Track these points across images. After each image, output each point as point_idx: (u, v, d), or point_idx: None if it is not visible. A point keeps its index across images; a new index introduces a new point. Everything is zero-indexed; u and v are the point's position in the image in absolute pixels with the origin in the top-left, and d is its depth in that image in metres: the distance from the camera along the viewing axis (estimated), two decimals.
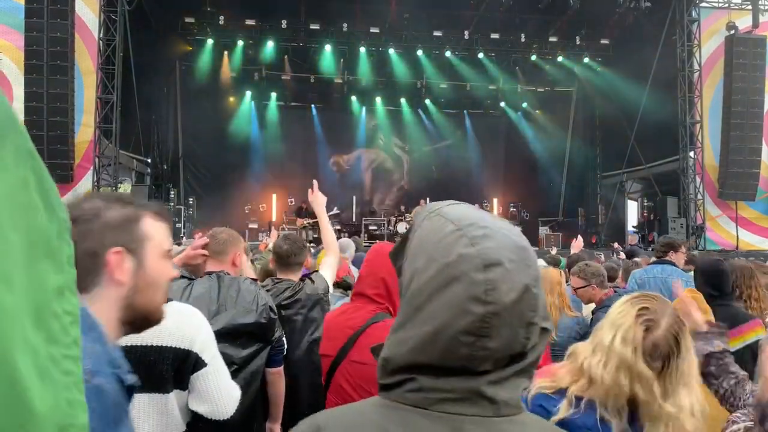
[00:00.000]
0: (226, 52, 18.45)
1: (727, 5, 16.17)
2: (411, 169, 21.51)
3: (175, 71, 18.90)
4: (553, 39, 18.72)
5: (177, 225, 15.63)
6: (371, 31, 18.02)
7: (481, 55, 18.97)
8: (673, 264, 4.79)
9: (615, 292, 4.32)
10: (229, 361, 2.30)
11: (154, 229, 1.32)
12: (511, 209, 18.66)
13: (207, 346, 2.00)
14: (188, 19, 17.68)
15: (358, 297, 2.27)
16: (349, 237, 8.22)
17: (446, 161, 20.95)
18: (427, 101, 20.83)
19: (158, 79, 17.78)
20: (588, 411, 1.60)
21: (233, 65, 18.69)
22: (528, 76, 19.86)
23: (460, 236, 0.81)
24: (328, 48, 18.51)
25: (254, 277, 3.17)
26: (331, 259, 3.61)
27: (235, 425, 2.11)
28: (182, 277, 2.70)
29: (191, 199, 18.13)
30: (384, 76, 19.55)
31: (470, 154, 21.18)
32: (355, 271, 4.76)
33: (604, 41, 18.83)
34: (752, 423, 1.67)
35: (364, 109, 20.90)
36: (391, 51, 18.94)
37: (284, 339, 2.97)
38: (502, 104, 21.19)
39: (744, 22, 15.60)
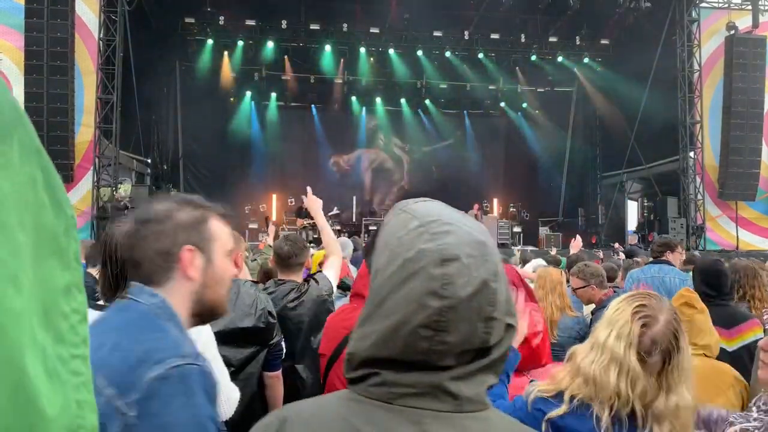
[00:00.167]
0: (226, 53, 18.45)
1: (727, 5, 16.17)
2: (411, 169, 21.51)
3: (175, 71, 18.91)
4: (553, 39, 18.72)
5: None
6: (371, 31, 18.02)
7: (481, 56, 18.97)
8: (670, 264, 4.79)
9: (614, 292, 4.32)
10: (226, 363, 2.30)
11: (220, 230, 1.45)
12: (511, 209, 18.66)
13: (207, 347, 2.00)
14: (188, 20, 17.68)
15: (356, 297, 2.28)
16: (350, 237, 8.23)
17: (446, 161, 20.95)
18: (427, 101, 20.83)
19: (158, 79, 17.78)
20: (581, 411, 1.60)
21: (233, 65, 18.70)
22: (528, 77, 19.86)
23: (421, 232, 0.82)
24: (328, 48, 18.52)
25: (249, 277, 3.16)
26: (334, 259, 3.61)
27: (233, 427, 2.11)
28: None
29: None
30: (384, 76, 19.55)
31: (470, 154, 21.18)
32: (354, 271, 4.76)
33: (604, 41, 18.83)
34: (749, 425, 1.67)
35: (364, 109, 20.90)
36: (391, 51, 18.94)
37: (283, 344, 2.97)
38: (502, 104, 21.19)
39: (744, 23, 15.60)
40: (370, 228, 17.32)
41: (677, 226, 15.16)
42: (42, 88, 12.18)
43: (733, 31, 15.32)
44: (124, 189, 13.71)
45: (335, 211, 16.50)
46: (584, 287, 4.28)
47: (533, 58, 19.21)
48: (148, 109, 16.79)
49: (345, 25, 17.85)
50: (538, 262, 5.79)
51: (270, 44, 18.22)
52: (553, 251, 9.19)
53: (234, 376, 2.46)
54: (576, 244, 6.56)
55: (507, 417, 0.88)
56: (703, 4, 15.98)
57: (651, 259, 5.08)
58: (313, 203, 3.63)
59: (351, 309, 2.26)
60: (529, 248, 14.46)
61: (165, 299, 1.31)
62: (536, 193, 21.01)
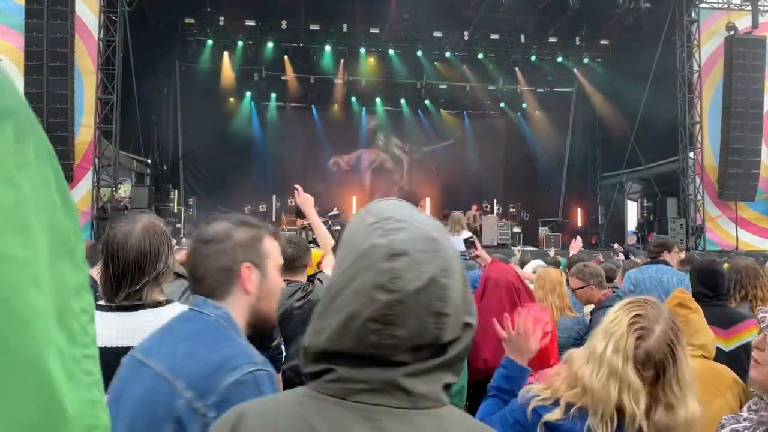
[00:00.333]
0: (226, 53, 18.45)
1: (726, 6, 16.18)
2: (411, 170, 21.52)
3: (175, 72, 18.90)
4: (552, 39, 18.72)
5: (177, 226, 15.63)
6: (371, 31, 18.03)
7: (480, 56, 18.97)
8: (668, 264, 4.80)
9: (613, 292, 4.33)
10: None
11: (272, 247, 1.59)
12: (511, 209, 18.65)
13: None
14: (188, 20, 17.69)
15: None
16: None
17: (446, 162, 20.95)
18: (427, 102, 20.83)
19: (158, 79, 17.78)
20: (577, 419, 1.60)
21: (233, 66, 18.70)
22: (528, 77, 19.86)
23: (375, 228, 0.84)
24: (328, 48, 18.53)
25: None
26: (330, 258, 3.61)
27: None
28: (182, 277, 2.71)
29: (191, 199, 18.13)
30: (384, 76, 19.56)
31: (470, 154, 21.18)
32: None
33: (604, 42, 18.84)
34: (739, 425, 1.67)
35: (364, 109, 20.91)
36: (391, 51, 18.95)
37: (282, 347, 2.97)
38: (502, 105, 21.18)
39: (744, 23, 15.61)
40: None
41: (677, 226, 15.16)
42: (42, 89, 12.18)
43: (732, 32, 15.32)
44: (124, 189, 13.71)
45: (335, 211, 16.49)
46: (583, 287, 4.28)
47: (533, 58, 19.22)
48: (148, 109, 16.79)
49: (345, 26, 17.86)
50: (538, 263, 5.79)
51: (270, 44, 18.23)
52: (552, 252, 9.17)
53: None
54: (576, 245, 6.52)
55: (464, 415, 0.88)
56: (703, 5, 15.99)
57: (648, 259, 5.09)
58: (304, 200, 3.64)
59: None
60: (529, 249, 14.45)
61: (228, 311, 1.47)
62: (536, 194, 21.01)
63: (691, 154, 15.74)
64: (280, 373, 2.98)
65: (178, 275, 2.70)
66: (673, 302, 2.50)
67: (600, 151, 21.24)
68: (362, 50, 18.70)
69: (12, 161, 0.46)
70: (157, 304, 1.95)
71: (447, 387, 0.85)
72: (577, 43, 18.75)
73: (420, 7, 16.33)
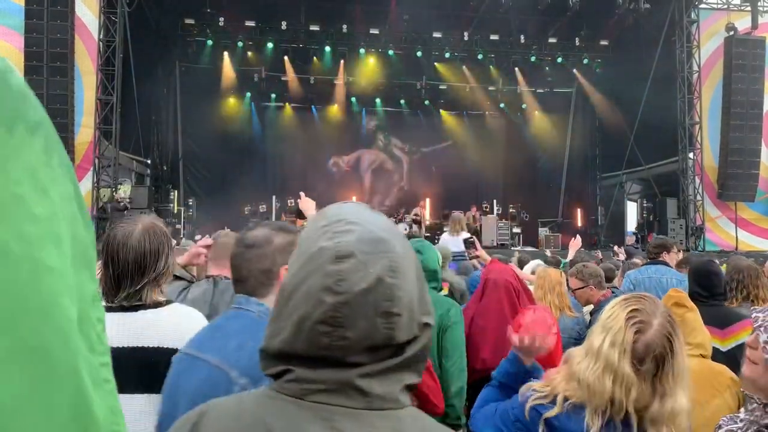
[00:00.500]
0: (226, 53, 18.46)
1: (726, 6, 16.19)
2: (411, 170, 21.52)
3: (175, 72, 18.92)
4: (552, 40, 18.74)
5: (177, 226, 15.64)
6: (371, 32, 18.05)
7: (480, 56, 18.98)
8: (667, 264, 4.80)
9: (612, 293, 4.33)
10: None
11: None
12: (511, 210, 18.65)
13: None
14: (188, 21, 17.70)
15: None
16: None
17: (446, 162, 20.94)
18: (427, 102, 20.84)
19: (158, 80, 17.79)
20: (573, 413, 1.62)
21: (233, 66, 18.71)
22: (527, 77, 19.87)
23: (325, 231, 0.85)
24: (328, 49, 18.55)
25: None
26: None
27: None
28: (181, 279, 2.71)
29: (191, 200, 18.13)
30: (384, 77, 19.56)
31: (470, 155, 21.16)
32: None
33: (604, 42, 18.86)
34: (735, 426, 1.68)
35: (364, 109, 20.93)
36: (391, 52, 18.96)
37: None
38: (502, 105, 21.17)
39: (743, 24, 15.62)
40: None
41: (676, 227, 15.17)
42: (42, 89, 12.17)
43: (732, 32, 15.33)
44: (124, 190, 13.71)
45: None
46: (582, 288, 4.28)
47: (533, 59, 19.23)
48: (148, 109, 16.80)
49: (345, 26, 17.89)
50: (537, 263, 5.79)
51: (270, 45, 18.24)
52: (548, 253, 9.11)
53: None
54: (575, 244, 6.36)
55: (422, 417, 0.87)
56: (703, 5, 16.01)
57: (648, 260, 5.09)
58: (307, 204, 3.66)
59: None
60: (528, 249, 14.45)
61: (269, 307, 1.56)
62: (536, 194, 21.01)
63: (691, 155, 15.75)
64: None
65: (177, 277, 2.70)
66: (669, 302, 2.50)
67: (600, 152, 21.25)
68: (362, 51, 18.71)
69: (45, 174, 0.47)
70: (157, 305, 1.95)
71: (409, 388, 0.85)
72: (577, 43, 18.77)
73: (420, 8, 16.35)
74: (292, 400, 0.81)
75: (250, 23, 17.66)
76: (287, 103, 20.31)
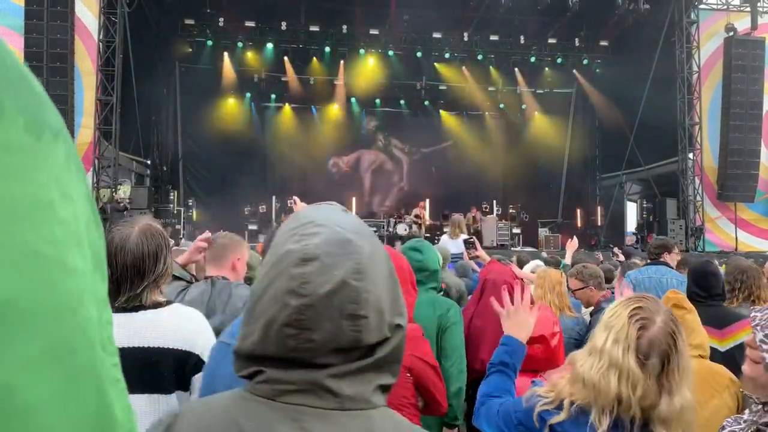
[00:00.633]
0: (226, 54, 18.47)
1: (725, 7, 16.20)
2: (410, 171, 21.53)
3: (175, 73, 18.93)
4: (552, 41, 18.75)
5: (177, 227, 15.63)
6: (371, 32, 18.06)
7: (480, 57, 19.00)
8: (668, 265, 4.80)
9: (612, 293, 4.33)
10: None
11: None
12: (511, 210, 18.66)
13: (208, 348, 2.01)
14: (188, 21, 17.70)
15: None
16: None
17: (446, 162, 20.97)
18: (427, 102, 20.87)
19: (158, 80, 17.80)
20: (579, 415, 1.60)
21: (233, 67, 18.72)
22: (527, 78, 19.89)
23: (293, 234, 0.86)
24: (327, 50, 18.56)
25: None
26: None
27: None
28: (180, 279, 2.71)
29: (191, 200, 18.14)
30: (384, 77, 19.58)
31: (469, 155, 21.17)
32: None
33: (603, 43, 18.87)
34: (737, 426, 1.68)
35: (363, 110, 20.93)
36: (391, 53, 18.97)
37: None
38: (502, 106, 21.20)
39: (743, 24, 15.63)
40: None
41: (676, 227, 15.17)
42: None
43: (732, 33, 15.34)
44: (124, 190, 13.73)
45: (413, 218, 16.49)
46: (582, 289, 4.28)
47: (532, 59, 19.24)
48: (148, 110, 16.80)
49: (345, 27, 17.90)
50: (537, 263, 5.79)
51: (270, 45, 18.26)
52: (545, 254, 9.08)
53: None
54: (571, 245, 6.21)
55: (394, 417, 0.87)
56: (702, 6, 16.02)
57: (648, 261, 5.09)
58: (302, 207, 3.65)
59: None
60: (528, 249, 14.45)
61: None
62: (535, 195, 21.00)
63: (691, 155, 15.75)
64: None
65: (176, 278, 2.70)
66: (668, 303, 2.51)
67: (599, 152, 21.26)
68: (362, 51, 18.73)
69: (67, 179, 0.49)
70: (157, 305, 1.95)
71: (383, 389, 0.85)
72: (577, 44, 18.79)
73: (420, 9, 16.36)
74: (264, 401, 0.82)
75: (249, 24, 17.68)
76: (287, 104, 20.31)
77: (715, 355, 2.81)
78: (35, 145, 0.47)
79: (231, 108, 19.78)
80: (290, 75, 19.10)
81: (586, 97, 20.54)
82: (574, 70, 19.80)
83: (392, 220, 17.42)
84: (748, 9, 15.76)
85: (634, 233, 17.03)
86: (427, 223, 16.73)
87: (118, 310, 1.90)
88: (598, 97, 19.69)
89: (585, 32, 18.61)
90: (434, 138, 21.25)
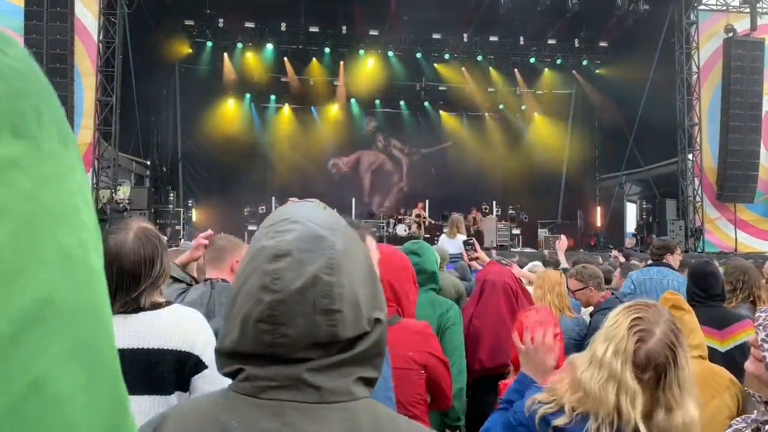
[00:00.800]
0: (225, 55, 18.48)
1: (725, 8, 16.22)
2: (410, 171, 21.53)
3: (175, 73, 18.93)
4: (551, 41, 18.77)
5: (176, 227, 15.63)
6: (371, 33, 18.07)
7: (480, 58, 19.01)
8: (670, 266, 4.80)
9: (612, 294, 4.33)
10: None
11: (373, 245, 1.95)
12: (510, 211, 18.67)
13: (208, 349, 2.01)
14: (188, 22, 17.72)
15: None
16: None
17: (445, 163, 20.98)
18: (426, 103, 20.88)
19: (158, 81, 17.79)
20: (580, 423, 1.60)
21: (233, 67, 18.73)
22: (527, 79, 19.90)
23: (267, 231, 0.87)
24: (327, 50, 18.57)
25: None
26: None
27: None
28: (180, 281, 2.71)
29: (190, 201, 18.14)
30: (383, 78, 19.59)
31: (469, 156, 21.17)
32: None
33: (603, 44, 18.89)
34: (741, 424, 1.68)
35: (363, 111, 20.94)
36: (391, 53, 18.99)
37: None
38: (501, 106, 21.20)
39: (742, 25, 15.64)
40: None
41: (676, 228, 15.18)
42: None
43: (731, 34, 15.35)
44: (123, 191, 13.72)
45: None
46: (582, 289, 4.28)
47: (532, 60, 19.27)
48: (148, 111, 16.80)
49: (344, 28, 17.91)
50: (536, 263, 5.79)
51: (270, 46, 18.26)
52: (546, 253, 9.07)
53: None
54: (561, 245, 5.91)
55: (377, 406, 0.88)
56: (702, 7, 16.03)
57: (650, 261, 5.09)
58: None
59: None
60: (528, 250, 14.45)
61: None
62: (535, 195, 20.97)
63: (690, 156, 15.77)
64: None
65: (176, 279, 2.70)
66: (666, 304, 2.51)
67: (599, 153, 21.27)
68: (362, 52, 18.74)
69: (85, 186, 0.51)
70: (156, 306, 1.95)
71: (366, 381, 0.85)
72: (576, 45, 18.80)
73: (419, 9, 16.37)
74: (247, 398, 0.82)
75: (249, 24, 17.69)
76: (287, 104, 20.32)
77: (715, 356, 2.81)
78: (65, 153, 0.50)
79: (231, 109, 19.78)
80: (290, 76, 19.11)
81: (585, 97, 20.56)
82: (574, 71, 19.82)
83: (392, 221, 17.43)
84: (748, 10, 15.77)
85: (633, 235, 17.04)
86: (427, 223, 16.72)
87: (116, 312, 1.90)
88: (598, 97, 19.70)
89: (585, 33, 18.62)
90: (434, 139, 21.26)
